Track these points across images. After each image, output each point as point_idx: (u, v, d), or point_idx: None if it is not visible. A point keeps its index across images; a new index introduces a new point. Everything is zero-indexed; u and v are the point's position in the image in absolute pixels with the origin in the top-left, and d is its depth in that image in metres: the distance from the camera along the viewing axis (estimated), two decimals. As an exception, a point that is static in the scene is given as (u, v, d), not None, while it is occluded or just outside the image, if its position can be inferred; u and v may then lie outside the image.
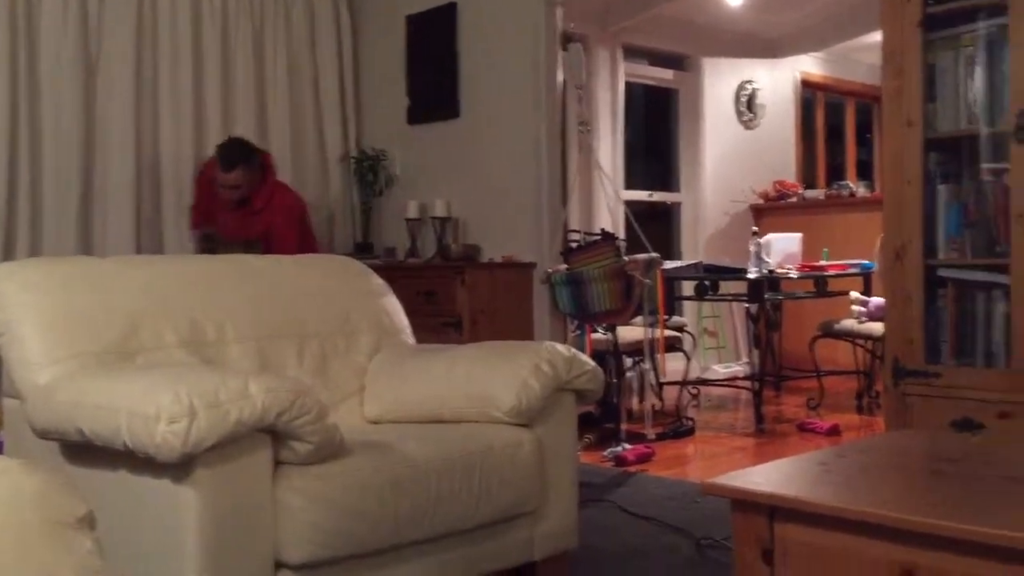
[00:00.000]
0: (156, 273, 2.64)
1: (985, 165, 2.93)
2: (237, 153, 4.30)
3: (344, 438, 2.12)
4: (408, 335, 3.04)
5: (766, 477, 1.69)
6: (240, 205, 4.32)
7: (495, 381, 2.51)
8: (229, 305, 2.65)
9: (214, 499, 1.89)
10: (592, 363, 2.66)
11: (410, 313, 3.40)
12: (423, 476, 2.19)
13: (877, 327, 4.98)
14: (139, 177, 4.67)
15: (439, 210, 4.90)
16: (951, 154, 3.02)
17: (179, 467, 1.88)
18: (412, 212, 5.01)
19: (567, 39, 4.76)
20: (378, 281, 3.12)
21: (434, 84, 5.07)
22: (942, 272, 2.97)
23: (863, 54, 7.38)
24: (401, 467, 2.17)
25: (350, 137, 5.38)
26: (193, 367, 2.32)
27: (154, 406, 1.84)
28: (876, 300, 5.21)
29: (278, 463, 2.02)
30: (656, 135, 7.35)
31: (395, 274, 4.54)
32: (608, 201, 5.48)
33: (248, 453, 1.94)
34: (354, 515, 2.04)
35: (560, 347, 2.63)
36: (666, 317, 5.42)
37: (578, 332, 4.85)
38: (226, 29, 4.92)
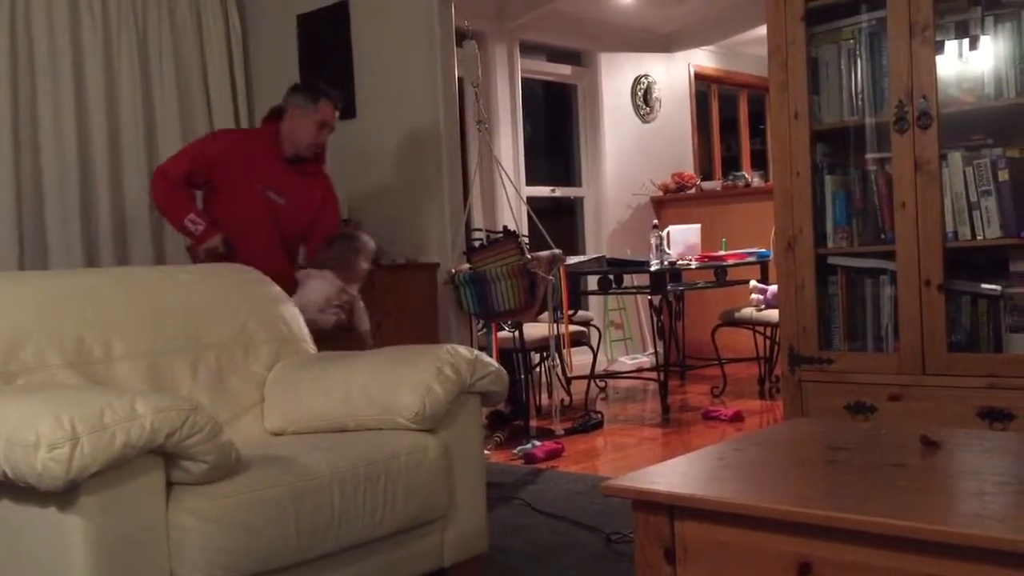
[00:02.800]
0: (38, 289, 2.52)
1: (869, 155, 3.02)
2: None
3: (241, 454, 2.06)
4: (308, 343, 2.98)
5: (665, 476, 1.70)
6: (296, 162, 3.67)
7: (398, 387, 2.48)
8: (117, 320, 2.55)
9: (103, 526, 1.81)
10: (495, 364, 2.65)
11: (313, 319, 3.34)
12: (325, 488, 2.14)
13: (775, 314, 5.10)
14: (19, 188, 4.46)
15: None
16: (837, 145, 3.11)
17: (64, 495, 1.79)
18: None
19: (462, 36, 4.74)
20: (275, 288, 3.05)
21: (329, 84, 4.97)
22: (832, 260, 3.06)
23: (753, 47, 7.57)
24: (302, 480, 2.12)
25: (244, 140, 5.24)
26: (77, 388, 2.22)
27: (33, 432, 1.75)
28: (774, 288, 5.33)
29: (171, 484, 1.94)
30: (556, 130, 7.39)
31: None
32: (510, 198, 5.46)
33: (137, 476, 1.86)
34: (253, 533, 1.98)
35: (462, 349, 2.61)
36: (571, 312, 5.46)
37: (484, 331, 4.84)
38: (107, 34, 4.74)
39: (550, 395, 5.05)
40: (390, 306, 4.42)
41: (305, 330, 3.01)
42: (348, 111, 4.91)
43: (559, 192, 7.18)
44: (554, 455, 4.26)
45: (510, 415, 5.01)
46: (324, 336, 3.20)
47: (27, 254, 4.47)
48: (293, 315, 3.00)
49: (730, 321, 5.61)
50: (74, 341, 2.43)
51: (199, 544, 1.92)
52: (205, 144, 3.74)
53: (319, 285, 3.30)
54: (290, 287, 3.28)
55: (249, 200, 3.60)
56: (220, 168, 3.60)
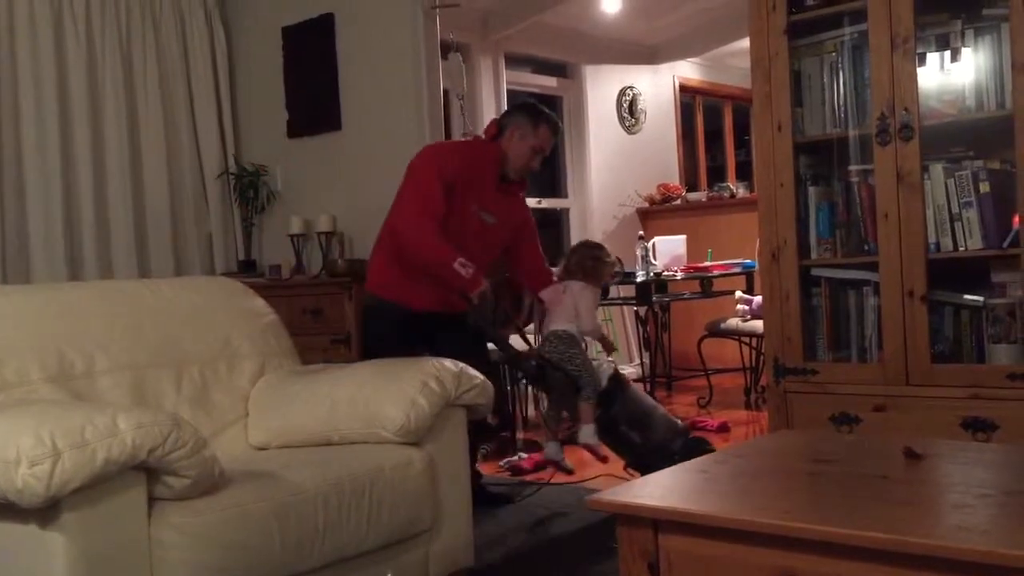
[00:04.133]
0: (19, 303, 2.51)
1: (852, 167, 3.04)
2: None
3: (224, 469, 2.05)
4: (293, 356, 2.97)
5: (648, 489, 1.70)
6: (507, 183, 3.52)
7: (383, 400, 2.48)
8: (100, 334, 2.54)
9: (84, 543, 1.80)
10: (481, 377, 2.64)
11: (298, 331, 3.33)
12: (310, 503, 2.13)
13: (761, 324, 5.11)
14: (2, 201, 4.44)
15: (323, 225, 4.82)
16: (820, 157, 3.12)
17: (45, 511, 1.78)
18: (296, 228, 4.90)
19: (447, 48, 4.75)
20: (260, 302, 3.04)
21: (314, 97, 4.98)
22: (816, 271, 3.07)
23: (737, 59, 7.60)
24: (286, 495, 2.11)
25: (228, 153, 5.23)
26: (58, 404, 2.20)
27: (14, 449, 1.74)
28: (759, 298, 5.35)
29: (153, 500, 1.93)
30: (542, 142, 7.38)
31: (281, 292, 4.44)
32: (496, 210, 5.48)
33: (120, 493, 1.85)
34: (236, 549, 1.97)
35: (447, 363, 2.60)
36: (558, 323, 5.46)
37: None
38: (91, 47, 4.72)
39: (537, 407, 5.04)
40: (376, 318, 4.41)
41: (290, 342, 2.99)
42: (333, 123, 4.91)
43: (545, 203, 7.18)
44: (541, 467, 4.25)
45: (497, 427, 4.99)
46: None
47: (9, 268, 4.45)
48: (278, 327, 2.99)
49: (716, 332, 5.62)
50: (56, 356, 2.42)
51: (182, 560, 1.90)
52: (444, 165, 3.39)
53: (587, 296, 3.45)
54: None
55: (467, 219, 3.38)
56: (454, 187, 3.36)
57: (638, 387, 3.76)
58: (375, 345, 3.44)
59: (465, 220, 3.38)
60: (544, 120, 3.51)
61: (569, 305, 3.49)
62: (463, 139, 3.81)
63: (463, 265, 3.19)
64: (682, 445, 3.33)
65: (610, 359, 3.52)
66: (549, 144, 3.55)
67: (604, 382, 3.37)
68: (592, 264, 3.55)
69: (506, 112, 3.70)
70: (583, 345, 3.48)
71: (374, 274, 3.57)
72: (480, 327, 3.34)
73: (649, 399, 3.61)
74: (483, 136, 3.64)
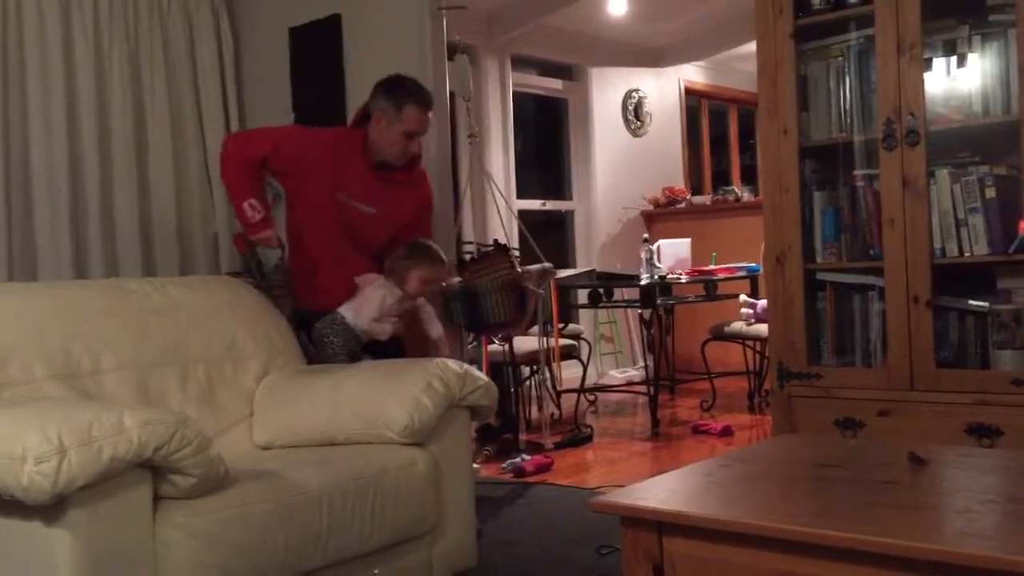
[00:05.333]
0: (26, 301, 2.51)
1: (858, 172, 3.03)
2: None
3: (229, 468, 2.05)
4: (297, 356, 2.97)
5: (653, 492, 1.70)
6: (386, 171, 3.27)
7: (386, 401, 2.48)
8: (106, 333, 2.55)
9: (89, 541, 1.80)
10: (485, 378, 2.65)
11: (302, 331, 3.32)
12: (314, 503, 2.14)
13: (765, 328, 5.12)
14: (8, 199, 4.44)
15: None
16: (825, 161, 3.12)
17: (50, 509, 1.78)
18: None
19: (453, 50, 4.75)
20: (265, 301, 3.05)
21: (320, 97, 4.98)
22: (821, 275, 3.07)
23: (742, 63, 7.60)
24: (290, 495, 2.11)
25: (235, 152, 5.24)
26: (64, 402, 2.21)
27: (20, 445, 1.74)
28: (763, 302, 5.35)
29: (159, 498, 1.94)
30: (547, 144, 7.41)
31: (286, 292, 4.44)
32: (501, 212, 5.48)
33: (125, 490, 1.85)
34: (240, 549, 1.97)
35: (452, 363, 2.61)
36: (562, 325, 5.47)
37: (474, 344, 4.84)
38: (98, 44, 4.73)
39: (540, 409, 5.05)
40: (380, 319, 4.42)
41: (295, 342, 3.00)
42: (339, 123, 4.91)
43: (550, 205, 7.19)
44: (544, 469, 4.26)
45: (499, 429, 5.00)
46: (388, 345, 3.11)
47: (16, 265, 4.45)
48: (283, 327, 3.00)
49: (720, 335, 5.62)
50: (62, 354, 2.42)
51: (186, 559, 1.91)
52: (290, 137, 3.36)
53: (374, 294, 3.13)
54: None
55: (323, 205, 3.24)
56: (298, 167, 3.25)
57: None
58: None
59: (325, 208, 3.23)
60: (408, 99, 3.19)
61: (360, 295, 3.17)
62: (335, 127, 3.53)
63: (252, 207, 3.17)
64: None
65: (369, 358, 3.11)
66: (421, 124, 3.21)
67: None
68: (396, 262, 3.17)
69: (372, 94, 3.32)
70: (351, 339, 3.09)
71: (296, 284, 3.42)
72: (251, 274, 3.21)
73: None
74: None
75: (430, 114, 3.27)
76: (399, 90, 3.24)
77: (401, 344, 3.23)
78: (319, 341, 3.07)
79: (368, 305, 3.11)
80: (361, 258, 3.28)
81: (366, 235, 3.29)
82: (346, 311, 3.12)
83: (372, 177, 3.24)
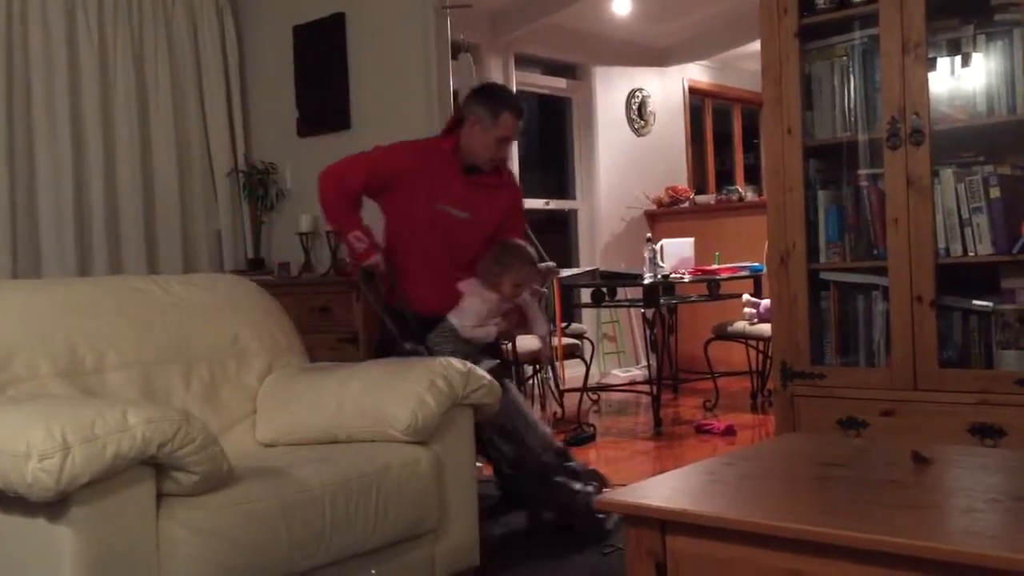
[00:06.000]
0: (30, 298, 2.52)
1: (862, 171, 3.03)
2: None
3: (232, 466, 2.06)
4: (301, 354, 2.98)
5: (656, 491, 1.70)
6: (476, 175, 3.37)
7: (390, 399, 2.48)
8: (110, 331, 2.55)
9: (93, 537, 1.81)
10: (488, 377, 2.65)
11: (306, 330, 3.33)
12: (317, 501, 2.14)
13: (768, 328, 5.11)
14: (13, 196, 4.45)
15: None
16: (830, 161, 3.12)
17: (54, 506, 1.79)
18: (305, 226, 4.91)
19: (457, 48, 4.75)
20: (268, 299, 3.05)
21: (324, 96, 4.99)
22: (824, 275, 3.06)
23: (746, 62, 7.60)
24: (293, 493, 2.12)
25: (238, 151, 5.25)
26: (68, 399, 2.22)
27: (24, 442, 1.75)
28: (766, 302, 5.35)
29: (162, 495, 1.94)
30: (550, 143, 7.41)
31: (289, 290, 4.45)
32: (504, 210, 5.47)
33: (129, 487, 1.86)
34: (243, 546, 1.98)
35: (455, 362, 2.61)
36: (565, 325, 5.47)
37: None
38: (103, 43, 4.74)
39: (543, 408, 5.05)
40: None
41: (298, 340, 3.00)
42: (343, 122, 4.92)
43: (553, 204, 7.19)
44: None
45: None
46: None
47: (20, 262, 4.47)
48: (286, 325, 3.00)
49: (723, 335, 5.61)
50: (66, 351, 2.43)
51: (189, 556, 1.91)
52: (384, 157, 3.42)
53: (474, 301, 3.20)
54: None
55: (420, 216, 3.32)
56: (395, 183, 3.33)
57: (521, 398, 3.45)
58: (379, 349, 3.40)
59: (422, 217, 3.32)
60: (504, 107, 3.33)
61: (462, 302, 3.24)
62: (428, 138, 3.63)
63: (357, 239, 3.29)
64: (551, 458, 3.23)
65: (490, 360, 3.12)
66: (514, 131, 3.37)
67: None
68: (487, 267, 3.24)
69: (465, 101, 3.47)
70: (462, 344, 3.16)
71: None
72: (367, 299, 3.32)
73: (526, 409, 3.34)
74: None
75: (521, 121, 3.41)
76: (496, 98, 3.39)
77: (497, 341, 3.37)
78: (433, 350, 3.13)
79: (467, 313, 3.20)
80: (454, 268, 3.36)
81: (460, 242, 3.36)
82: (453, 318, 3.21)
83: (463, 182, 3.35)
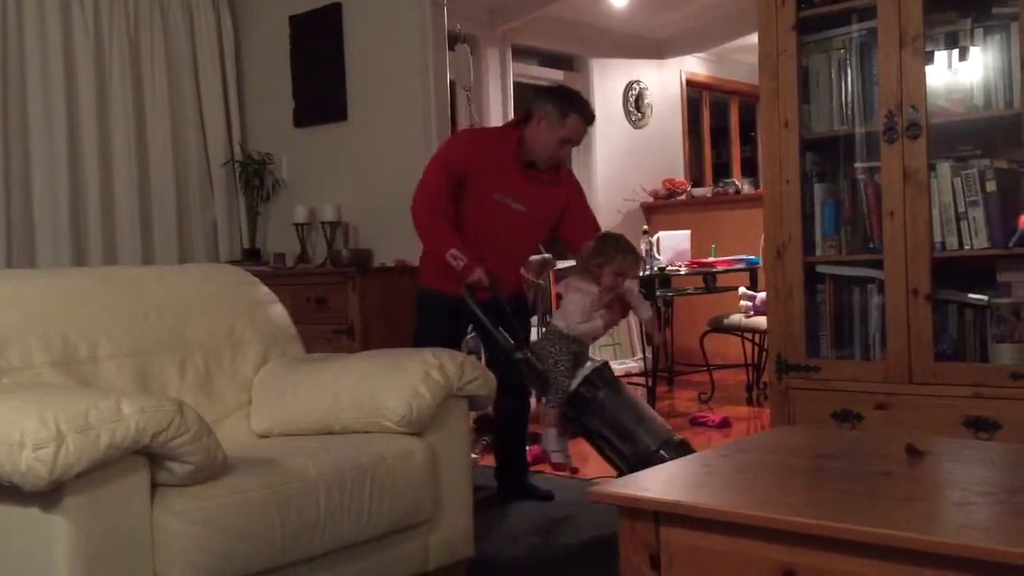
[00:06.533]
0: (24, 288, 2.51)
1: (858, 164, 3.03)
2: None
3: (227, 456, 2.05)
4: (296, 345, 2.97)
5: (651, 482, 1.70)
6: (535, 169, 3.44)
7: (385, 390, 2.48)
8: (105, 320, 2.54)
9: (87, 527, 1.80)
10: (483, 368, 2.65)
11: (301, 321, 3.33)
12: (312, 491, 2.14)
13: (764, 321, 5.11)
14: (7, 186, 4.44)
15: (328, 214, 4.82)
16: (826, 154, 3.12)
17: (48, 495, 1.78)
18: (301, 217, 4.91)
19: (454, 39, 4.74)
20: (264, 290, 3.04)
21: (320, 86, 4.98)
22: (820, 268, 3.07)
23: (744, 55, 7.58)
24: (288, 483, 2.11)
25: (234, 141, 5.24)
26: (62, 388, 2.21)
27: (18, 432, 1.74)
28: (763, 295, 5.35)
29: (156, 485, 1.93)
30: (547, 135, 7.38)
31: (285, 281, 4.44)
32: (500, 202, 5.46)
33: (122, 477, 1.85)
34: (238, 536, 1.97)
35: (450, 353, 2.60)
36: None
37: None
38: (99, 30, 4.73)
39: (538, 400, 5.05)
40: (378, 309, 4.42)
41: (293, 331, 3.00)
42: (339, 113, 4.91)
43: (550, 196, 7.18)
44: (541, 460, 4.25)
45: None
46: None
47: (15, 252, 4.46)
48: (281, 316, 2.99)
49: (719, 327, 5.62)
50: (60, 340, 2.42)
51: (183, 546, 1.91)
52: (449, 155, 3.48)
53: (573, 298, 3.23)
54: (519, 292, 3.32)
55: (486, 206, 3.38)
56: (467, 174, 3.39)
57: (630, 390, 3.41)
58: (422, 332, 3.44)
59: (484, 206, 3.38)
60: (574, 110, 3.38)
61: (564, 302, 3.33)
62: (493, 126, 3.67)
63: (454, 257, 3.27)
64: (669, 453, 3.14)
65: (594, 360, 3.23)
66: (580, 135, 3.43)
67: (573, 385, 3.12)
68: (586, 260, 3.29)
69: (536, 97, 3.56)
70: (571, 344, 3.20)
71: (420, 263, 3.64)
72: (474, 315, 3.30)
73: (638, 404, 3.30)
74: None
75: (589, 127, 3.48)
76: (568, 100, 3.44)
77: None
78: (540, 353, 3.19)
79: (572, 311, 3.22)
80: (507, 263, 3.45)
81: (516, 235, 3.44)
82: (558, 321, 3.26)
83: (522, 176, 3.41)
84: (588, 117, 3.42)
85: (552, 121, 3.35)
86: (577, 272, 3.33)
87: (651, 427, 3.12)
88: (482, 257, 3.30)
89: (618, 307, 3.32)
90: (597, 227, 3.58)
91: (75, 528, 1.79)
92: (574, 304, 3.22)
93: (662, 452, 3.03)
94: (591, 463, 4.32)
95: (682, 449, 3.23)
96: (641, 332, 6.63)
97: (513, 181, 3.39)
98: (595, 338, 3.32)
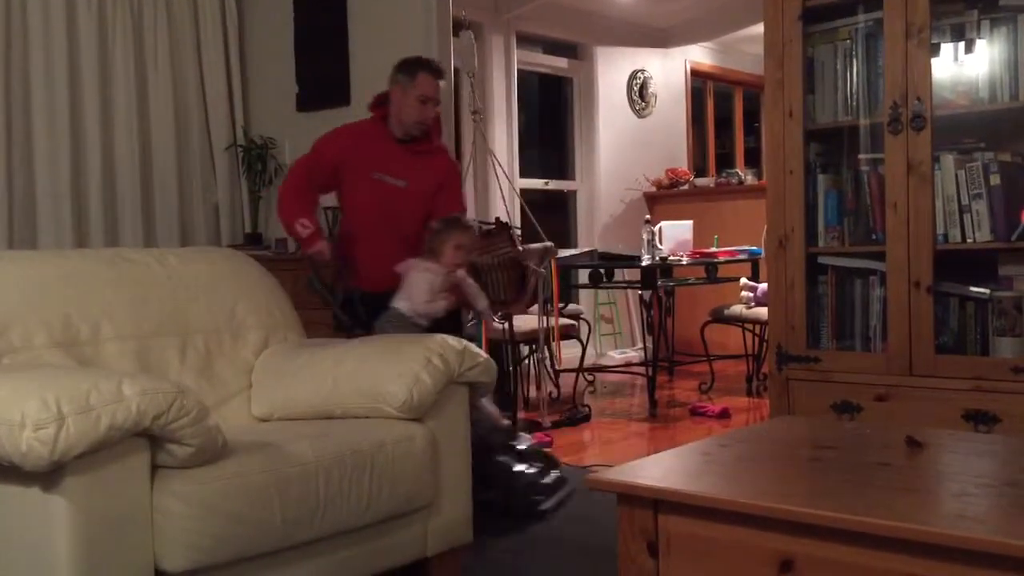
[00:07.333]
0: (26, 269, 2.51)
1: (862, 156, 3.02)
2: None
3: (227, 439, 2.06)
4: (297, 330, 2.97)
5: (650, 470, 1.70)
6: (408, 143, 3.49)
7: (386, 376, 2.48)
8: (106, 302, 2.54)
9: (87, 508, 1.81)
10: (484, 355, 2.65)
11: (303, 306, 3.33)
12: (311, 476, 2.14)
13: (765, 312, 5.11)
14: (9, 167, 4.44)
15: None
16: (830, 145, 3.11)
17: (48, 475, 1.79)
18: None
19: (459, 25, 4.73)
20: (265, 274, 3.04)
21: (324, 71, 4.96)
22: (823, 259, 3.06)
23: (749, 45, 7.57)
24: (288, 467, 2.11)
25: (237, 125, 5.23)
26: (63, 369, 2.21)
27: (19, 412, 1.75)
28: (764, 286, 5.34)
29: (156, 467, 1.94)
30: (550, 123, 7.38)
31: (286, 266, 4.43)
32: (503, 190, 5.47)
33: (123, 459, 1.86)
34: (237, 519, 1.98)
35: (451, 339, 2.60)
36: (562, 305, 5.46)
37: (473, 322, 4.84)
38: (102, 14, 4.71)
39: (538, 388, 5.06)
40: (380, 294, 4.41)
41: (294, 315, 3.00)
42: (342, 98, 4.90)
43: (552, 185, 7.17)
44: (544, 447, 4.26)
45: (498, 407, 5.00)
46: (445, 320, 3.26)
47: (16, 234, 4.46)
48: (283, 300, 2.99)
49: (720, 318, 5.62)
50: (61, 322, 2.42)
51: (183, 528, 1.91)
52: (325, 142, 3.59)
53: (420, 277, 3.26)
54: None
55: (365, 186, 3.47)
56: (341, 165, 3.49)
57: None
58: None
59: (363, 189, 3.47)
60: (420, 67, 3.46)
61: (408, 283, 3.30)
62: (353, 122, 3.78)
63: (303, 226, 3.39)
64: (501, 441, 3.29)
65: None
66: (434, 89, 3.45)
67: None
68: (428, 241, 3.33)
69: (389, 79, 3.57)
70: (412, 327, 3.20)
71: None
72: (314, 286, 3.43)
73: None
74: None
75: (442, 83, 3.50)
76: (414, 61, 3.52)
77: (459, 317, 3.45)
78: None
79: (417, 289, 3.24)
80: (396, 242, 3.45)
81: (401, 212, 3.47)
82: (399, 303, 3.25)
83: (398, 151, 3.47)
84: (436, 71, 3.48)
85: (405, 85, 3.43)
86: (426, 252, 3.34)
87: (482, 412, 3.18)
88: (327, 236, 3.48)
89: (460, 293, 3.37)
90: (464, 210, 3.62)
91: (75, 509, 1.79)
92: (421, 283, 3.26)
93: (491, 437, 3.22)
94: (590, 451, 4.33)
95: (509, 436, 3.41)
96: (642, 322, 6.63)
97: (390, 158, 3.47)
98: (432, 318, 3.28)
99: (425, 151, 3.52)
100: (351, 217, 3.57)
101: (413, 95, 3.42)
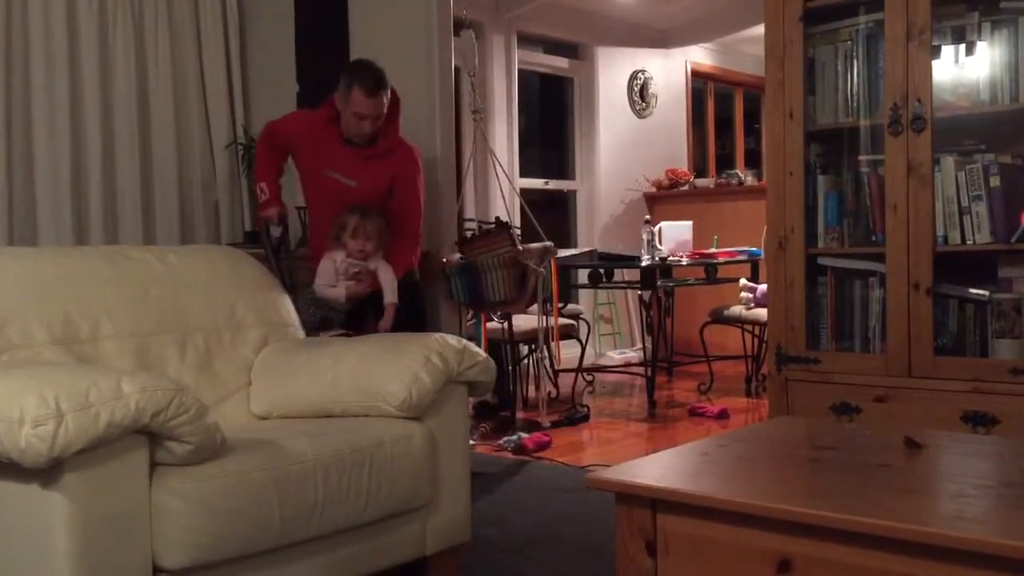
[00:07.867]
0: (26, 266, 2.51)
1: (862, 157, 3.03)
2: (383, 74, 3.37)
3: (226, 437, 2.06)
4: (297, 328, 2.98)
5: (648, 470, 1.70)
6: (357, 146, 3.44)
7: (385, 374, 2.48)
8: (106, 300, 2.54)
9: (85, 505, 1.81)
10: (483, 354, 2.65)
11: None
12: (310, 474, 2.14)
13: (764, 313, 5.11)
14: (9, 164, 4.43)
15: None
16: (831, 146, 3.11)
17: (47, 472, 1.79)
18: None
19: (460, 25, 4.72)
20: (265, 272, 3.04)
21: (325, 69, 4.95)
22: (822, 260, 3.06)
23: (750, 46, 7.57)
24: (286, 465, 2.12)
25: (237, 123, 5.22)
26: (63, 366, 2.21)
27: (18, 408, 1.75)
28: (763, 287, 5.35)
29: (155, 464, 1.94)
30: (551, 123, 7.38)
31: (286, 264, 4.43)
32: (503, 189, 5.47)
33: (122, 456, 1.86)
34: (235, 517, 1.98)
35: (451, 338, 2.61)
36: (561, 305, 5.47)
37: (473, 321, 4.84)
38: (103, 12, 4.71)
39: (537, 387, 5.06)
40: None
41: (294, 314, 3.00)
42: (343, 97, 4.89)
43: (552, 184, 7.17)
44: (544, 447, 4.27)
45: (496, 406, 5.01)
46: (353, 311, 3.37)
47: (16, 230, 4.45)
48: (282, 298, 2.99)
49: (719, 319, 5.62)
50: (61, 319, 2.42)
51: (181, 525, 1.92)
52: (286, 119, 3.74)
53: (325, 263, 3.37)
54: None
55: (320, 182, 3.49)
56: (295, 148, 3.56)
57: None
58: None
59: (317, 185, 3.53)
60: (356, 81, 3.30)
61: (319, 268, 3.41)
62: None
63: (261, 190, 3.53)
64: None
65: (339, 330, 3.33)
66: (368, 108, 3.30)
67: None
68: (336, 231, 3.38)
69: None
70: (320, 309, 3.36)
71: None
72: (262, 242, 3.57)
73: None
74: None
75: (383, 97, 3.36)
76: (351, 73, 3.38)
77: (366, 308, 3.43)
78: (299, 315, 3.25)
79: (321, 275, 3.37)
80: None
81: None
82: (315, 285, 3.39)
83: (348, 153, 3.46)
84: (371, 89, 3.29)
85: (342, 98, 3.36)
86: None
87: None
88: (281, 203, 3.53)
89: (367, 282, 3.37)
90: (416, 207, 3.55)
91: (74, 506, 1.79)
92: (326, 269, 3.37)
93: None
94: (589, 451, 4.33)
95: None
96: (641, 323, 6.63)
97: (340, 157, 3.45)
98: (339, 304, 3.36)
99: (373, 156, 3.45)
100: (309, 209, 3.71)
101: (349, 111, 3.34)
